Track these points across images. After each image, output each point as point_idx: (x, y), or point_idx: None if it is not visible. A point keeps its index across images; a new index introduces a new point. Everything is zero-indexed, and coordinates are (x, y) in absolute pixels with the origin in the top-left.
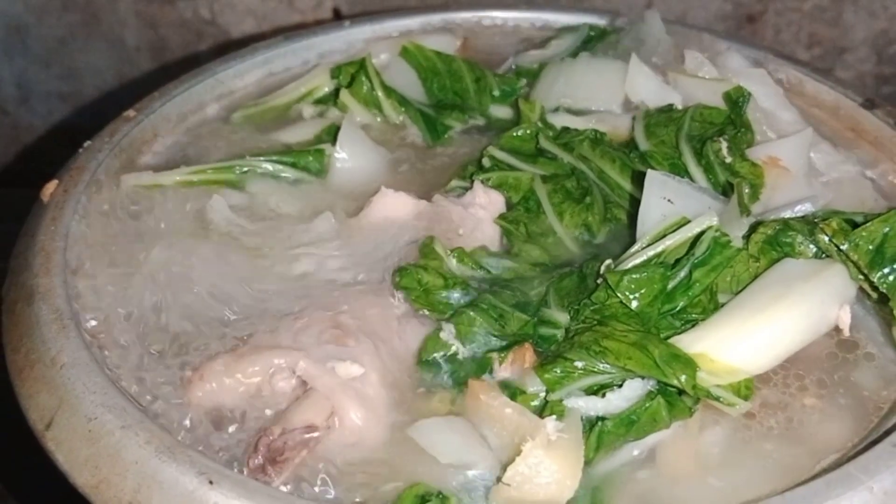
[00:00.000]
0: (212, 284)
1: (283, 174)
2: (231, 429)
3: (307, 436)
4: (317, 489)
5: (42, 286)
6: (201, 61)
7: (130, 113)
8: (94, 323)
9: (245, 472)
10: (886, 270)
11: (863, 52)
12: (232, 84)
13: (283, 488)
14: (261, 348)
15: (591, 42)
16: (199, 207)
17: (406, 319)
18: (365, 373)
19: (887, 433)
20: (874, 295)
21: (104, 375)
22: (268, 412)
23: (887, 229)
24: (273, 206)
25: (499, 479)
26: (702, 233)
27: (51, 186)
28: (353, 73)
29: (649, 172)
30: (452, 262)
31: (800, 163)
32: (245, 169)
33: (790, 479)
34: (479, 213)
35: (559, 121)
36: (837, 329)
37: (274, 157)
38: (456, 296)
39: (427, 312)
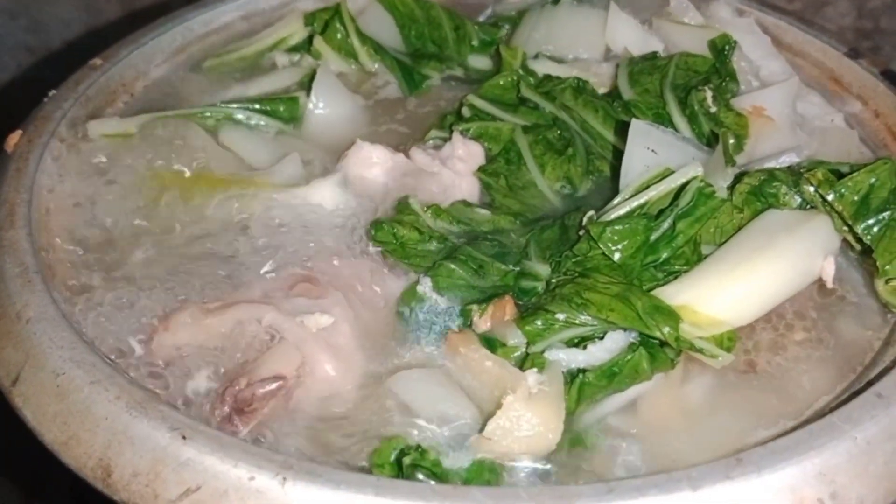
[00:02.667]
0: (180, 235)
1: (256, 122)
2: (199, 381)
3: (276, 386)
4: (289, 441)
5: (6, 239)
6: (173, 9)
7: (97, 61)
8: (60, 274)
9: (212, 421)
10: (871, 221)
11: (843, 7)
12: (202, 31)
13: (251, 439)
14: (229, 300)
15: None
16: (164, 155)
17: (379, 272)
18: (336, 323)
19: (870, 383)
20: (858, 246)
21: (72, 330)
22: (237, 364)
23: (873, 180)
24: (245, 155)
25: (480, 432)
26: (686, 183)
27: (15, 137)
28: (327, 19)
29: (633, 122)
30: (429, 218)
31: (785, 112)
32: (215, 116)
33: (772, 428)
34: (457, 166)
35: (541, 68)
36: (821, 280)
37: (246, 105)
38: (433, 247)
39: (404, 265)
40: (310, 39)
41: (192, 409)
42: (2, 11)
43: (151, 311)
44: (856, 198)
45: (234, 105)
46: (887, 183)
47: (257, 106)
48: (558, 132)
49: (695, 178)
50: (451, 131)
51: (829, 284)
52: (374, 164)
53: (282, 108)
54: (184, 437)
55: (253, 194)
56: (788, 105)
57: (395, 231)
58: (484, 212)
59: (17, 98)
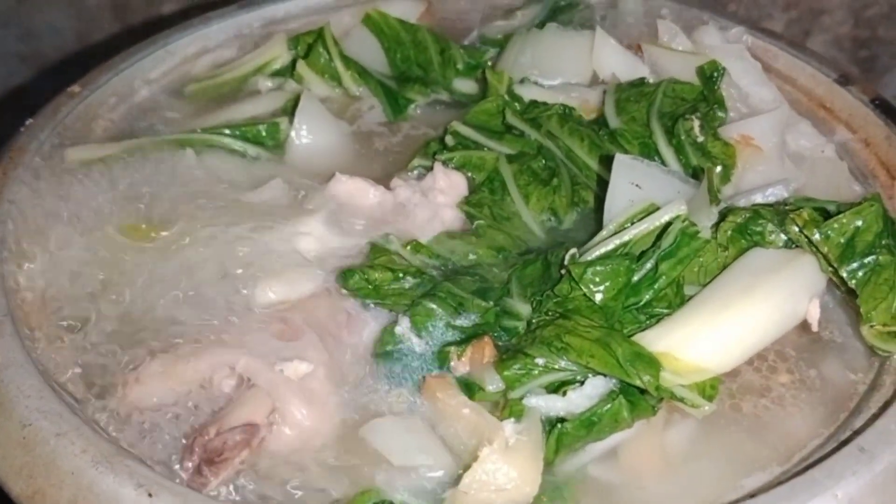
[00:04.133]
0: (152, 276)
1: (237, 148)
2: (171, 432)
3: (246, 434)
4: (259, 493)
5: None
6: (164, 20)
7: (75, 88)
8: (30, 320)
9: (181, 475)
10: (856, 265)
11: (840, 15)
12: (183, 55)
13: (222, 490)
14: (200, 347)
15: (560, 12)
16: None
17: (356, 312)
18: (309, 367)
19: (854, 434)
20: (843, 288)
21: (39, 377)
22: (209, 413)
23: (859, 222)
24: (227, 180)
25: (456, 485)
26: (670, 222)
27: None
28: (310, 43)
29: (617, 157)
30: (408, 254)
31: (773, 141)
32: (196, 142)
33: (757, 475)
34: (438, 199)
35: (527, 93)
36: (806, 323)
37: (225, 130)
38: (409, 284)
39: (379, 306)
40: (293, 64)
41: (163, 461)
42: None
43: (122, 358)
44: (841, 240)
45: (215, 131)
46: (873, 226)
47: (238, 132)
48: (543, 161)
49: (678, 217)
50: (435, 159)
51: (815, 328)
52: (353, 197)
53: (263, 134)
54: (150, 495)
55: (234, 231)
56: (777, 134)
57: (366, 276)
58: (466, 244)
59: (8, 106)
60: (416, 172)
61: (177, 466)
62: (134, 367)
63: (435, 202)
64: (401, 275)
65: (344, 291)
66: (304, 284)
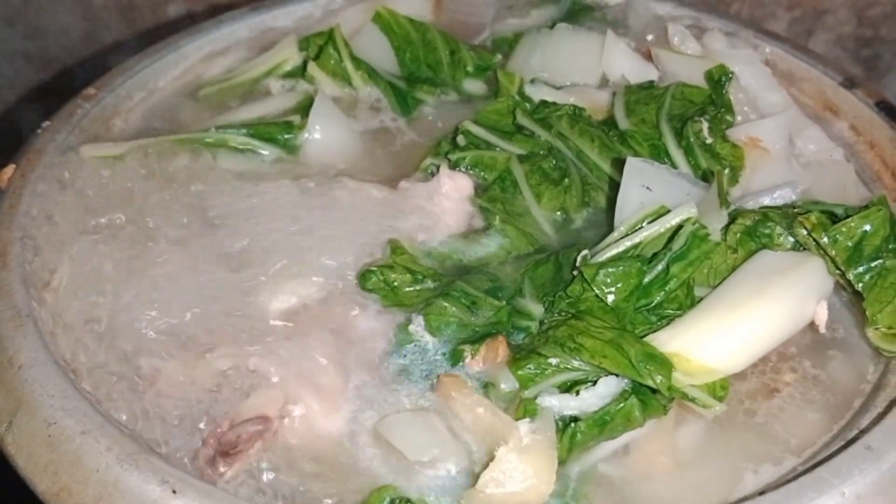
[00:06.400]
0: (166, 280)
1: (251, 148)
2: (186, 427)
3: (260, 427)
4: (273, 488)
5: None
6: (171, 21)
7: (90, 91)
8: (52, 320)
9: (196, 466)
10: (862, 269)
11: (843, 14)
12: (197, 58)
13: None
14: (214, 347)
15: (573, 13)
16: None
17: (367, 311)
18: (321, 363)
19: (861, 433)
20: (849, 290)
21: (64, 377)
22: (223, 410)
23: (867, 227)
24: (238, 184)
25: (472, 483)
26: (680, 225)
27: (8, 171)
28: (321, 44)
29: (629, 160)
30: (420, 257)
31: (780, 143)
32: (209, 140)
33: (765, 473)
34: (444, 203)
35: (538, 93)
36: (813, 324)
37: (241, 129)
38: (429, 286)
39: (398, 308)
40: (304, 65)
41: (181, 458)
42: None
43: (140, 360)
44: (849, 244)
45: (228, 129)
46: (880, 230)
47: (252, 130)
48: (554, 162)
49: (688, 219)
50: (447, 159)
51: (822, 329)
52: (360, 201)
53: (277, 133)
54: (174, 491)
55: (245, 233)
56: (784, 136)
57: (384, 277)
58: (477, 243)
59: (15, 105)
60: (429, 171)
61: (192, 460)
62: (151, 368)
63: (441, 206)
64: (420, 277)
65: (356, 286)
66: (315, 285)
